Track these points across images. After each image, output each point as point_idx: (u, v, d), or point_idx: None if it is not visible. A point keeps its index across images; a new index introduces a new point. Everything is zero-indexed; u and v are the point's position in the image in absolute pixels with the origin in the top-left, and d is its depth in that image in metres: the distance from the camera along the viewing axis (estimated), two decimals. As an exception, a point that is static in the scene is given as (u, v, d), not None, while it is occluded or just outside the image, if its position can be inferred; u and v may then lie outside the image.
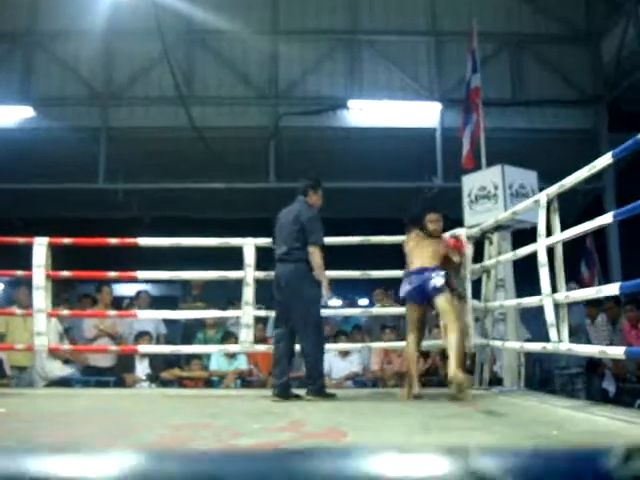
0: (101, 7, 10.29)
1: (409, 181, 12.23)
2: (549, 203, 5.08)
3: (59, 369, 7.21)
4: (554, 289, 4.95)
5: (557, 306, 4.96)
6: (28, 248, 6.41)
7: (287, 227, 5.63)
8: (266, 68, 12.30)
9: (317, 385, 5.50)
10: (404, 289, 5.57)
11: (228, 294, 8.39)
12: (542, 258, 5.06)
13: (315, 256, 5.48)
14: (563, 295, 4.91)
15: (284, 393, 5.41)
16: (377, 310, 7.76)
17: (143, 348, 7.35)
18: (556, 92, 12.06)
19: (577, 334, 7.23)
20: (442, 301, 5.39)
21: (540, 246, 5.10)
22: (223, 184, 12.09)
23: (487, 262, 6.29)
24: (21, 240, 6.56)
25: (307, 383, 5.58)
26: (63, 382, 7.15)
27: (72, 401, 5.52)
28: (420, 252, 5.63)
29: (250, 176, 12.03)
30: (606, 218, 4.23)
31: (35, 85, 12.04)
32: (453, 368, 5.08)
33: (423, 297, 5.50)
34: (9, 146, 11.14)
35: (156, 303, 8.70)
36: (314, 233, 5.52)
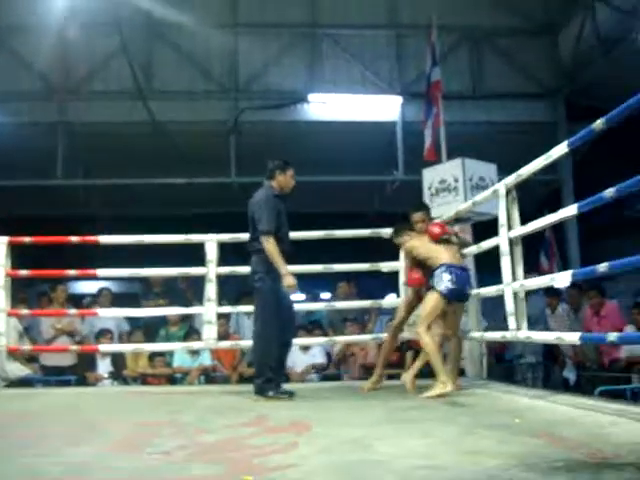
0: (57, 0, 10.09)
1: (370, 175, 12.29)
2: (508, 193, 5.15)
3: (19, 369, 7.08)
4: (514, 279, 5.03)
5: (515, 295, 5.04)
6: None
7: (248, 217, 5.39)
8: (226, 62, 12.20)
9: (258, 382, 5.11)
10: (446, 286, 5.09)
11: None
12: (504, 247, 5.13)
13: (265, 246, 5.09)
14: (518, 284, 4.98)
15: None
16: (340, 304, 7.76)
17: (104, 347, 7.26)
18: (515, 85, 12.17)
19: (536, 324, 7.33)
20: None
21: (502, 235, 5.17)
22: (184, 179, 12.00)
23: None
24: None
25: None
26: (24, 382, 7.03)
27: (33, 401, 5.43)
28: (444, 248, 5.34)
29: (211, 171, 11.96)
30: (570, 210, 4.29)
31: (-10, 80, 11.79)
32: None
33: (457, 297, 5.27)
34: (-36, 143, 10.92)
35: (118, 300, 8.62)
36: (260, 221, 5.14)
